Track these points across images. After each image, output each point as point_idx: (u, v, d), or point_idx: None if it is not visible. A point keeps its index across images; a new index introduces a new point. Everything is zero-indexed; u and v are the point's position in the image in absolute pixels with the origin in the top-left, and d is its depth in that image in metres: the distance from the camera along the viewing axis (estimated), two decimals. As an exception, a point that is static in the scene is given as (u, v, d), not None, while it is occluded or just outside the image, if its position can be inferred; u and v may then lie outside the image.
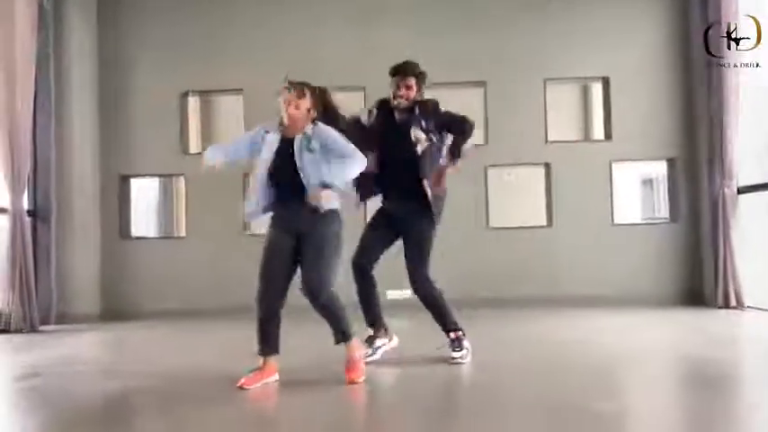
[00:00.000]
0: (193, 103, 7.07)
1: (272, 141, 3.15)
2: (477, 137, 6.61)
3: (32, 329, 5.57)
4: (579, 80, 7.60)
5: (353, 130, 3.43)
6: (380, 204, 3.73)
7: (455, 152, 3.59)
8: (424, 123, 3.57)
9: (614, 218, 6.55)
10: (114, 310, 6.29)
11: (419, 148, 3.52)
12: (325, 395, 3.00)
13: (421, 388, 3.20)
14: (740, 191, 5.99)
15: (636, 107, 6.56)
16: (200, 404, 2.91)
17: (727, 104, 5.95)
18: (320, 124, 3.15)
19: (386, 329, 3.73)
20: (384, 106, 3.73)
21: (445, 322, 3.61)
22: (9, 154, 5.52)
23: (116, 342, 5.22)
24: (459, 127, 3.63)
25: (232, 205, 6.43)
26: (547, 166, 6.57)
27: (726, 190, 6.00)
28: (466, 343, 3.57)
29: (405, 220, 3.58)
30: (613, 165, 6.62)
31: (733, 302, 5.88)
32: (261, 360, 3.13)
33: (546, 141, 6.57)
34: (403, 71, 3.62)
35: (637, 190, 11.48)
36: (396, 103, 3.62)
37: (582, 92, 9.32)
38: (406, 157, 3.51)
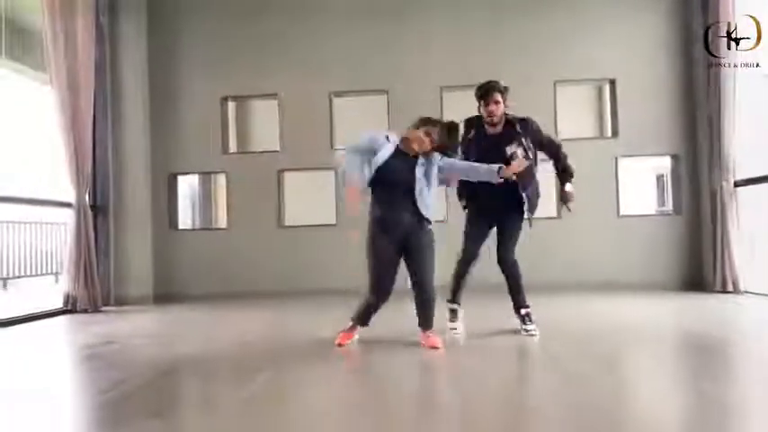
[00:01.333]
0: (231, 107, 7.71)
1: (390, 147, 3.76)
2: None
3: (95, 309, 6.28)
4: (587, 82, 8.04)
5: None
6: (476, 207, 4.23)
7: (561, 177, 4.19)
8: (523, 140, 4.00)
9: (620, 210, 7.01)
10: (165, 294, 7.02)
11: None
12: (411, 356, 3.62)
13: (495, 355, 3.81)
14: (737, 184, 6.43)
15: (641, 107, 7.02)
16: (263, 365, 3.55)
17: (725, 104, 6.38)
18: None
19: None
20: (476, 123, 4.16)
21: (521, 299, 4.27)
22: (74, 154, 6.18)
23: (175, 319, 5.80)
24: (552, 151, 4.18)
25: (268, 200, 7.11)
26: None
27: (724, 183, 6.44)
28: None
29: (502, 216, 4.16)
30: (620, 160, 7.08)
31: (730, 287, 6.34)
32: (350, 324, 3.93)
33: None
34: (492, 89, 3.99)
35: (651, 184, 11.87)
36: (489, 119, 4.03)
37: (597, 91, 9.77)
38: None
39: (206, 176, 9.40)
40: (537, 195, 4.16)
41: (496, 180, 3.68)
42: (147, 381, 3.19)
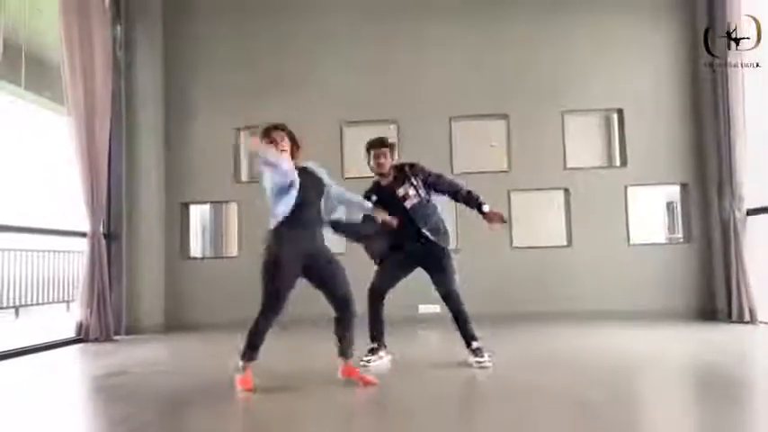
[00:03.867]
0: (245, 137, 7.80)
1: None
2: (500, 164, 7.26)
3: (107, 338, 6.30)
4: (594, 112, 8.10)
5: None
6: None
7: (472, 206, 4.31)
8: (413, 179, 4.29)
9: (630, 239, 6.99)
10: (176, 323, 7.03)
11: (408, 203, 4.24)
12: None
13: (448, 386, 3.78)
14: (749, 212, 6.41)
15: (649, 135, 7.06)
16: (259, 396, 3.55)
17: (735, 131, 6.40)
18: None
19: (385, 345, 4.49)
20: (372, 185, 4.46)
21: (468, 333, 4.27)
22: (90, 184, 6.28)
23: (186, 350, 5.82)
24: (445, 187, 4.38)
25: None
26: (566, 190, 7.09)
27: (736, 212, 6.42)
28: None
29: (420, 258, 4.36)
30: (629, 189, 7.09)
31: (747, 317, 6.27)
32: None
33: (565, 168, 7.09)
34: (378, 144, 4.33)
35: (661, 212, 11.82)
36: (379, 171, 4.34)
37: (604, 121, 9.82)
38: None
39: (217, 205, 9.47)
40: (443, 226, 4.32)
41: (365, 213, 3.96)
42: (157, 414, 3.20)
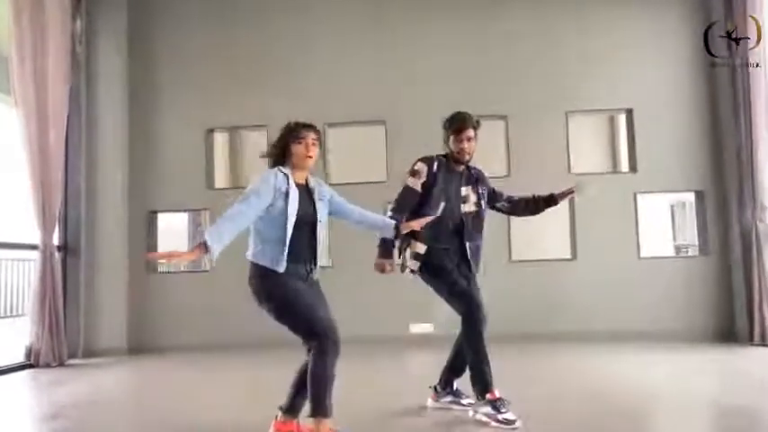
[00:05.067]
0: (221, 138, 7.19)
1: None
2: (499, 168, 6.66)
3: (60, 363, 5.66)
4: (601, 112, 7.52)
5: None
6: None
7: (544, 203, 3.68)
8: (479, 186, 3.58)
9: (641, 251, 6.39)
10: (141, 344, 6.35)
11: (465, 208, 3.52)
12: None
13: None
14: (772, 223, 5.84)
15: (661, 138, 6.47)
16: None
17: (756, 136, 5.85)
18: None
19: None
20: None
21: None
22: (40, 192, 5.64)
23: (149, 378, 5.22)
24: (504, 198, 3.73)
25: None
26: (570, 198, 6.46)
27: (758, 223, 5.85)
28: None
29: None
30: (639, 197, 6.50)
31: (769, 340, 5.69)
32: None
33: (569, 172, 6.48)
34: (470, 123, 3.44)
35: (667, 216, 11.28)
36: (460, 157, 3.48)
37: (608, 123, 9.24)
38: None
39: (196, 213, 8.83)
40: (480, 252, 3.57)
41: (391, 235, 3.21)
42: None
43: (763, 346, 5.65)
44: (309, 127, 2.94)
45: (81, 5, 6.43)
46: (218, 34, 6.87)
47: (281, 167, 2.89)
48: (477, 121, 3.47)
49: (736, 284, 6.11)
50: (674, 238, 11.64)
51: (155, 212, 6.79)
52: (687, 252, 9.74)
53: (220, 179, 7.31)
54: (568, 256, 6.53)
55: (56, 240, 5.89)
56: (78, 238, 6.24)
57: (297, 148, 2.89)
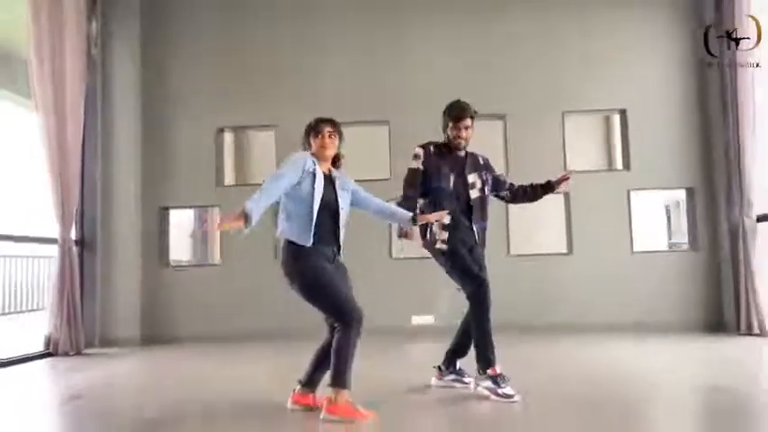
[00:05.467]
0: (228, 138, 7.43)
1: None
2: (497, 166, 6.88)
3: (78, 352, 5.91)
4: (597, 112, 7.76)
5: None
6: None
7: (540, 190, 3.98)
8: (484, 172, 3.90)
9: (634, 246, 6.65)
10: (154, 335, 6.61)
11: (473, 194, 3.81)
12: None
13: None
14: (759, 219, 6.08)
15: (653, 137, 6.72)
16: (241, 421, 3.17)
17: (744, 132, 6.08)
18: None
19: None
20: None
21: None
22: (59, 188, 5.89)
23: (161, 366, 5.42)
24: (506, 184, 4.04)
25: (264, 234, 6.75)
26: (566, 194, 6.72)
27: (745, 219, 6.10)
28: None
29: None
30: (632, 193, 6.75)
31: (756, 330, 5.94)
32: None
33: (565, 170, 6.69)
34: (466, 113, 3.73)
35: (661, 214, 11.54)
36: (458, 143, 3.76)
37: (604, 122, 9.49)
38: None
39: (202, 210, 9.07)
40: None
41: (407, 227, 3.45)
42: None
43: (750, 335, 5.91)
44: (326, 121, 3.26)
45: (96, 8, 6.66)
46: (229, 37, 7.11)
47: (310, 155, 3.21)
48: (475, 111, 3.76)
49: (725, 278, 6.37)
50: (669, 236, 11.91)
51: (166, 209, 7.04)
52: (680, 248, 9.98)
53: (229, 177, 7.55)
54: (564, 251, 6.78)
55: (73, 235, 6.12)
56: (94, 233, 6.49)
57: (315, 141, 3.21)
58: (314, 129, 3.25)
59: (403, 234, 3.54)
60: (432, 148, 3.77)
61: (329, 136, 3.23)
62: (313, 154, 3.24)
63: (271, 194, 2.98)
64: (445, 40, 7.01)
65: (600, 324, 6.29)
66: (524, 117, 6.84)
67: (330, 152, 3.25)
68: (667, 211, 12.29)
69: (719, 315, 6.40)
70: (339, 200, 3.21)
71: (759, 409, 3.30)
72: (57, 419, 3.53)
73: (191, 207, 8.09)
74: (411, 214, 3.46)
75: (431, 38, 7.01)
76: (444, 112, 3.79)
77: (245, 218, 2.79)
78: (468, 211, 3.72)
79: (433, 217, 3.50)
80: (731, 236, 6.27)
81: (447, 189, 3.67)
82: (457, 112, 3.71)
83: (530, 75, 6.89)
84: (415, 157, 3.77)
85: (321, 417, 3.01)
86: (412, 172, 3.73)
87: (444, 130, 3.80)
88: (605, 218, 6.65)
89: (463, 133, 3.71)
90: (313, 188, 3.08)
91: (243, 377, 4.49)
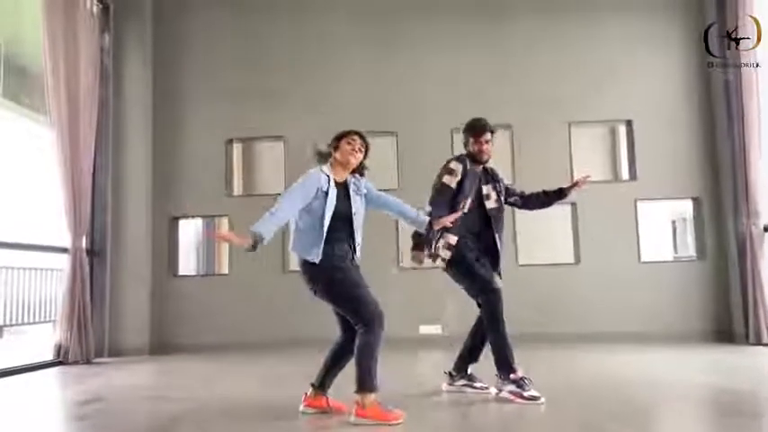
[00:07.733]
0: (237, 149, 7.50)
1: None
2: (504, 175, 6.91)
3: (87, 361, 5.93)
4: (603, 123, 7.80)
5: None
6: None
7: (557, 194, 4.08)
8: (498, 184, 3.99)
9: (641, 255, 6.65)
10: (163, 344, 6.64)
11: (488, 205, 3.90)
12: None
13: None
14: (766, 229, 6.09)
15: (659, 148, 6.77)
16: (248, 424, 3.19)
17: (750, 143, 6.11)
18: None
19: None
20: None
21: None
22: (72, 198, 5.95)
23: (170, 374, 5.45)
24: (518, 193, 4.13)
25: (271, 244, 6.79)
26: (573, 205, 6.76)
27: (753, 228, 6.11)
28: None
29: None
30: (639, 204, 6.77)
31: (765, 339, 5.92)
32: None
33: (571, 181, 6.73)
34: (487, 129, 3.86)
35: (668, 227, 11.52)
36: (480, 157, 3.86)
37: (610, 132, 9.52)
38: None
39: (210, 220, 9.12)
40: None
41: (423, 230, 3.51)
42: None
43: (759, 344, 5.88)
44: (362, 135, 3.36)
45: (109, 21, 6.79)
46: (240, 49, 7.22)
47: (323, 168, 3.26)
48: (493, 129, 3.89)
49: (733, 287, 6.37)
50: (675, 251, 11.86)
51: (176, 219, 7.11)
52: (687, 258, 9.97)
53: (237, 187, 7.61)
54: (572, 261, 6.80)
55: (84, 245, 6.16)
56: (105, 242, 6.55)
57: (345, 147, 3.29)
58: (348, 135, 3.33)
59: (417, 259, 3.71)
60: (468, 162, 3.83)
61: (359, 149, 3.31)
62: (336, 159, 3.31)
63: (281, 218, 3.05)
64: (453, 51, 7.10)
65: (608, 333, 6.29)
66: (531, 127, 6.89)
67: (354, 163, 3.32)
68: (674, 227, 12.26)
69: (728, 324, 6.39)
70: (352, 206, 3.25)
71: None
72: (79, 423, 3.54)
73: (200, 217, 8.13)
74: (428, 219, 3.50)
75: (439, 49, 7.09)
76: (464, 130, 3.92)
77: (255, 238, 2.88)
78: (486, 222, 3.82)
79: (447, 220, 3.54)
80: (738, 245, 6.27)
81: (468, 200, 3.76)
82: (478, 129, 3.84)
83: (536, 86, 6.96)
84: (451, 172, 3.77)
85: (351, 420, 3.02)
86: (444, 188, 3.76)
87: (466, 146, 3.91)
88: (612, 227, 6.67)
89: (485, 147, 3.83)
90: (325, 204, 3.13)
91: (253, 384, 4.50)
